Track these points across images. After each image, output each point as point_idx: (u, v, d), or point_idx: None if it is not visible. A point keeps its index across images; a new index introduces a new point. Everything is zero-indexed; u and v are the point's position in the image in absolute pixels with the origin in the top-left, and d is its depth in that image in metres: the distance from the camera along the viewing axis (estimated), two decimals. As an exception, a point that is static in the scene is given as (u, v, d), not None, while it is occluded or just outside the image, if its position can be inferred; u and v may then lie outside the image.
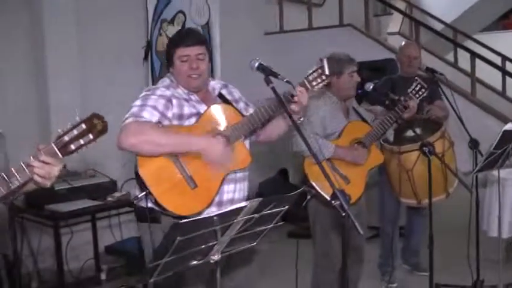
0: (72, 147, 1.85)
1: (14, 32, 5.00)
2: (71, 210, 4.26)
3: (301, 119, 2.78)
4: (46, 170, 1.86)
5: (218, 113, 2.74)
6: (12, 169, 1.88)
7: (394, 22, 9.09)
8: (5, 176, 1.87)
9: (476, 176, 4.06)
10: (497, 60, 7.71)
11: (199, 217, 1.69)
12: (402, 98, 3.76)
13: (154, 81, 6.01)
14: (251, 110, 2.88)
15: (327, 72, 2.74)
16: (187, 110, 2.71)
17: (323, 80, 2.78)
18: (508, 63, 7.89)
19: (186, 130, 2.66)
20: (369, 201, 4.04)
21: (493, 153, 3.59)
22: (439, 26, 8.41)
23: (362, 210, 3.71)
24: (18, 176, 1.87)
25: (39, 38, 5.06)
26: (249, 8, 7.29)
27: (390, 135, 4.16)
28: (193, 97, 2.77)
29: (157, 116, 2.61)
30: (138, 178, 2.59)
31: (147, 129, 2.53)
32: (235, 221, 1.73)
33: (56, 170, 1.88)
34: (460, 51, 7.80)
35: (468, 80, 7.09)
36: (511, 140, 3.65)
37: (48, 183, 1.92)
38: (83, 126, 1.84)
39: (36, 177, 1.87)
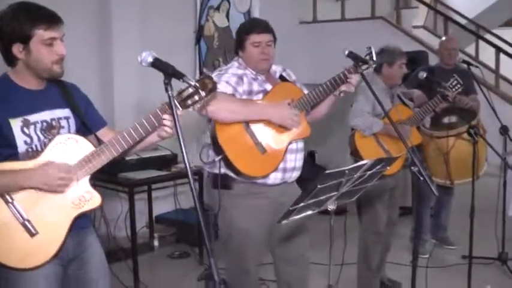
0: (189, 102, 2.20)
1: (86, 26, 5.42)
2: (146, 177, 4.70)
3: (341, 95, 3.11)
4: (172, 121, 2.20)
5: (283, 89, 3.14)
6: (143, 120, 2.24)
7: (418, 16, 9.40)
8: (137, 124, 2.23)
9: (505, 159, 4.51)
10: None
11: (337, 169, 2.11)
12: (442, 90, 4.19)
13: (202, 64, 6.44)
14: (305, 91, 3.25)
15: (374, 58, 3.02)
16: (256, 87, 3.08)
17: (370, 65, 3.04)
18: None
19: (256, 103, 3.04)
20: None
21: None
22: (461, 21, 8.78)
23: (400, 182, 4.18)
24: (147, 125, 2.23)
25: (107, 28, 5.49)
26: (285, -3, 7.66)
27: (427, 122, 4.60)
28: (260, 77, 3.14)
29: (231, 89, 2.99)
30: (215, 143, 2.96)
31: (223, 98, 2.89)
32: (355, 175, 2.17)
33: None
34: (481, 45, 8.20)
35: (487, 72, 7.49)
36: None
37: (171, 134, 2.28)
38: (197, 85, 2.17)
39: (164, 127, 2.25)
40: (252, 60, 3.11)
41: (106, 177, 4.72)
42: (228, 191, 3.06)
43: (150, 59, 2.07)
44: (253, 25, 3.16)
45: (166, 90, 1.97)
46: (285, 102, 3.02)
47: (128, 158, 4.66)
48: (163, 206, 5.79)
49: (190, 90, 2.16)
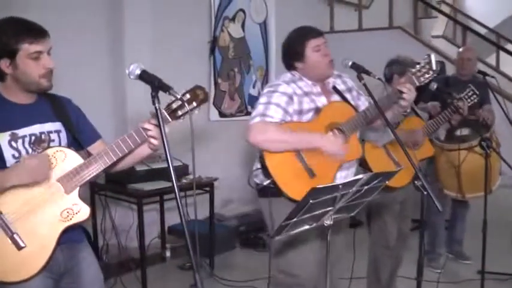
0: (179, 112, 2.20)
1: (97, 29, 5.36)
2: (155, 188, 4.66)
3: (407, 111, 3.04)
4: (158, 132, 2.20)
5: (334, 109, 3.03)
6: (132, 131, 2.25)
7: (437, 25, 9.30)
8: (126, 137, 2.24)
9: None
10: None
11: (330, 184, 2.07)
12: (455, 101, 4.10)
13: (217, 75, 6.43)
14: (362, 99, 3.20)
15: (434, 67, 2.92)
16: (306, 105, 2.98)
17: (430, 75, 2.96)
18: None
19: (306, 126, 2.94)
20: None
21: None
22: (481, 31, 8.66)
23: (411, 195, 4.04)
24: (136, 137, 2.24)
25: (119, 33, 5.45)
26: (301, 7, 7.56)
27: (442, 134, 4.51)
28: (315, 89, 3.04)
29: (281, 112, 2.90)
30: (263, 167, 2.91)
31: (271, 129, 2.85)
32: (351, 190, 2.12)
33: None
34: (502, 55, 8.07)
35: (507, 82, 7.35)
36: None
37: (157, 145, 2.28)
38: (188, 95, 2.17)
39: (150, 139, 2.25)
40: (317, 67, 3.02)
41: (116, 188, 4.75)
42: (276, 199, 2.97)
43: (138, 71, 2.06)
44: (308, 31, 3.09)
45: (153, 103, 1.94)
46: (334, 127, 2.96)
47: (137, 169, 4.66)
48: (176, 216, 5.74)
49: (180, 101, 2.15)
